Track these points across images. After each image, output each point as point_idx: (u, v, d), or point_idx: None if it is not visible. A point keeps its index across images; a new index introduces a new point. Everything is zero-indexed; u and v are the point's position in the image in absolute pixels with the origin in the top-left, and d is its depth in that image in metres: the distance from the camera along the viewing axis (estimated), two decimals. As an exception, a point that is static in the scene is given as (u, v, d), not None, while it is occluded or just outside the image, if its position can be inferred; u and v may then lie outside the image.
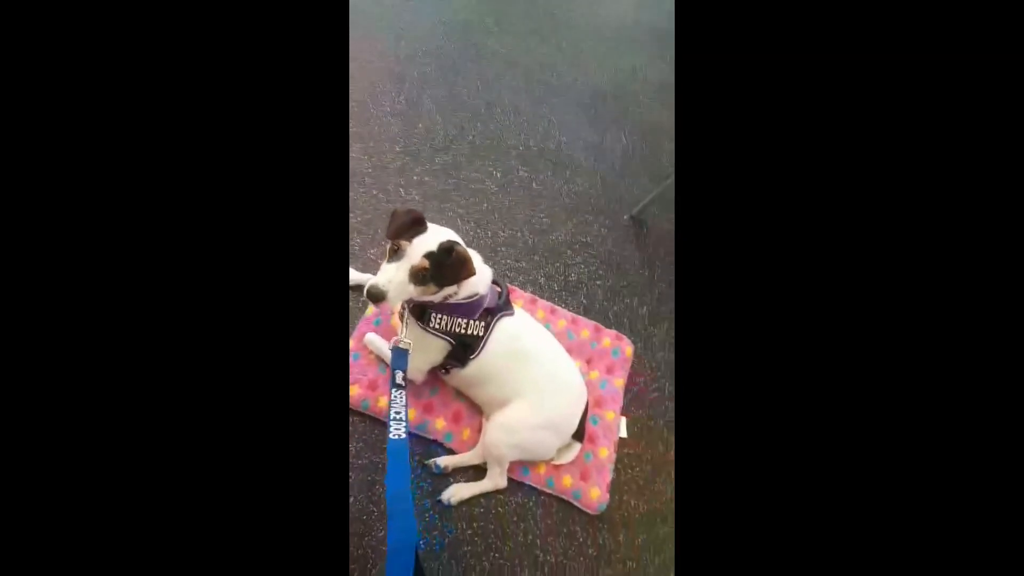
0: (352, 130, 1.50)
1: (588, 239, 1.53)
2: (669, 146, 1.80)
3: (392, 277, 0.85)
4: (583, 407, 1.10)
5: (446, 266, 0.87)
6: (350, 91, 1.57)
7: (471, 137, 1.63)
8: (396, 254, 0.86)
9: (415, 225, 0.87)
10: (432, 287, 0.89)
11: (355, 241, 1.27)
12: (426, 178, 1.48)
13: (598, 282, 1.45)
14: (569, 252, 1.48)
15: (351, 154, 1.44)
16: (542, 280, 1.40)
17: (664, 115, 1.97)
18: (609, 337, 1.34)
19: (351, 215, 1.32)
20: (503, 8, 2.00)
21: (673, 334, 1.39)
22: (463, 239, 0.93)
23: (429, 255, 0.85)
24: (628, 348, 1.34)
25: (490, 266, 1.03)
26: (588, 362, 1.31)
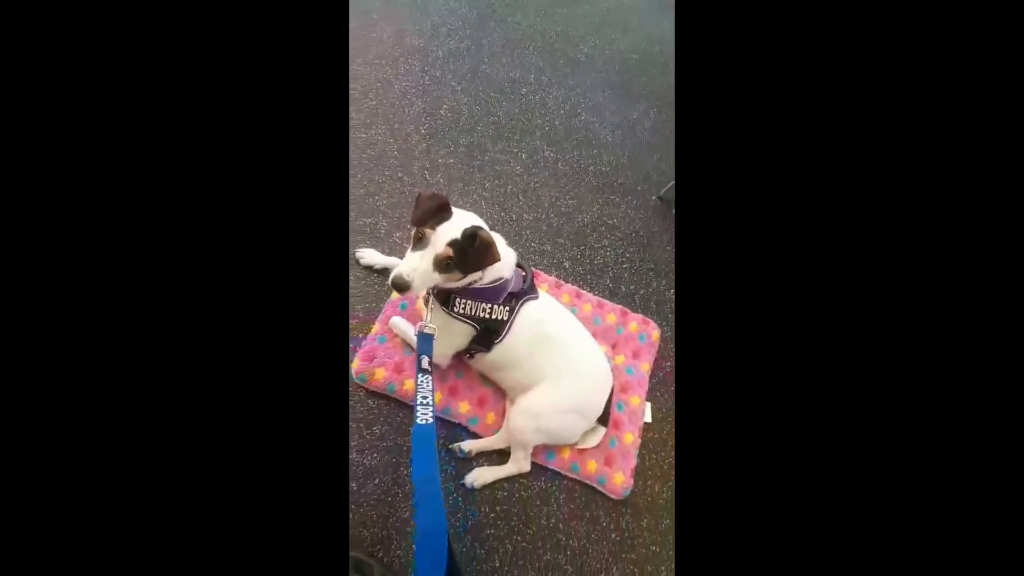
0: (377, 110, 1.49)
1: (615, 221, 1.49)
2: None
3: (416, 266, 0.85)
4: (608, 392, 1.09)
5: (470, 253, 0.86)
6: (377, 74, 1.55)
7: (496, 117, 1.60)
8: (420, 242, 0.86)
9: (439, 212, 0.86)
10: (457, 274, 0.89)
11: (380, 224, 1.28)
12: (451, 160, 1.46)
13: (625, 265, 1.41)
14: (595, 235, 1.45)
15: (376, 135, 1.44)
16: (567, 263, 1.38)
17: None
18: (636, 321, 1.31)
19: (376, 198, 1.32)
20: (529, -21, 1.93)
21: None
22: (487, 222, 0.92)
23: (453, 243, 0.85)
24: (655, 332, 1.31)
25: (515, 249, 1.02)
26: (614, 347, 1.29)
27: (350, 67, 1.54)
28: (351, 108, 1.46)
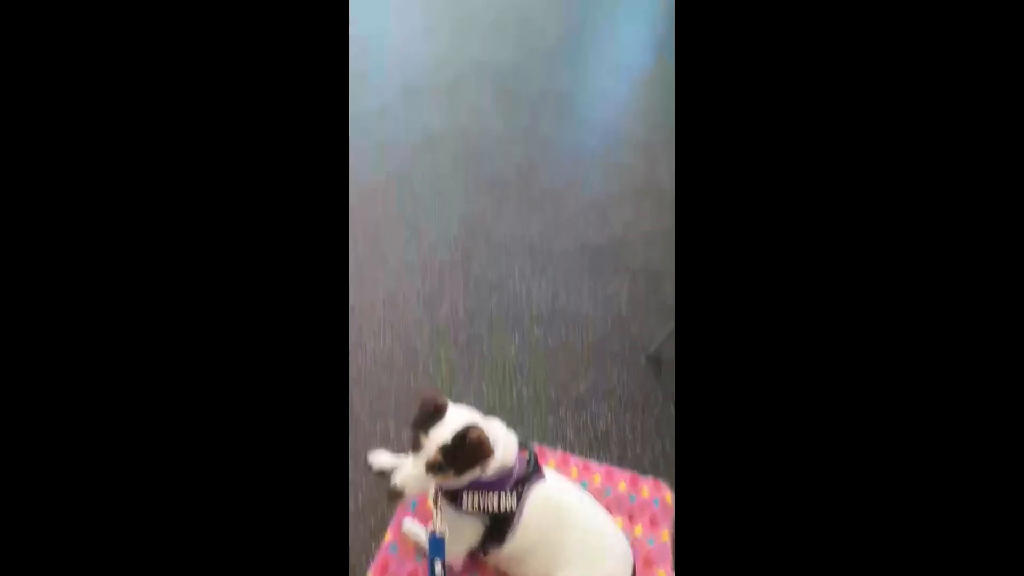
0: (384, 320, 1.72)
1: (610, 386, 1.59)
2: (670, 287, 1.95)
3: (410, 472, 0.90)
4: (630, 570, 1.05)
5: (461, 456, 0.92)
6: (384, 291, 1.84)
7: (489, 310, 1.82)
8: (416, 447, 0.92)
9: (434, 414, 0.95)
10: (451, 475, 0.93)
11: (390, 425, 1.38)
12: (452, 354, 1.63)
13: (627, 428, 1.46)
14: (593, 402, 1.53)
15: (383, 345, 1.64)
16: (571, 435, 1.43)
17: (662, 259, 2.16)
18: (647, 486, 1.31)
19: (386, 401, 1.45)
20: (506, 194, 2.38)
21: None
22: (488, 406, 1.01)
23: (443, 448, 0.90)
24: (668, 495, 1.29)
25: (518, 428, 1.07)
26: (630, 517, 1.26)
27: (360, 286, 1.83)
28: (362, 322, 1.70)
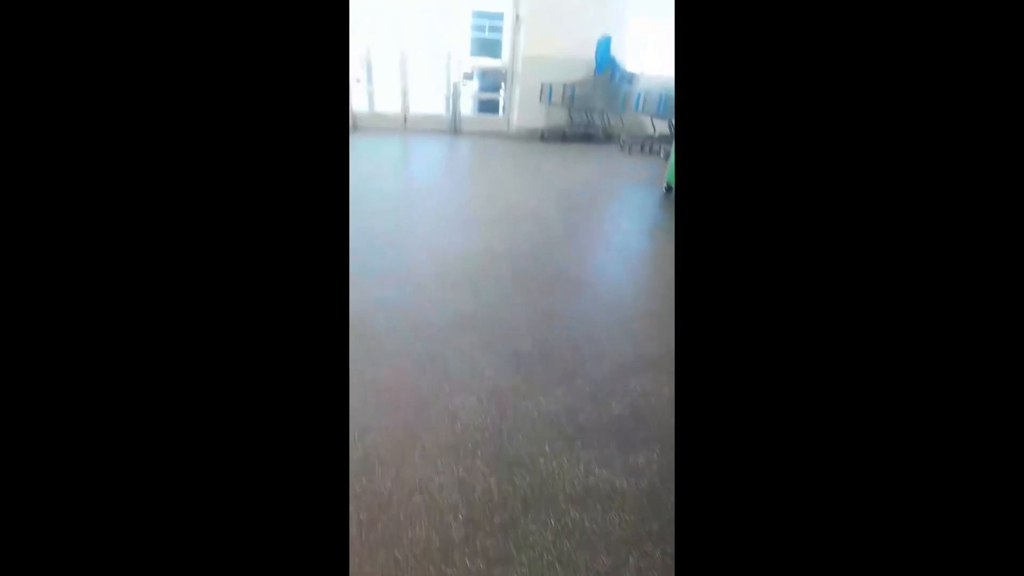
0: (420, 507, 1.74)
1: (656, 573, 1.52)
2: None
3: None
4: None
5: None
6: (419, 476, 1.89)
7: (523, 490, 1.84)
8: None
9: None
10: None
11: (430, 628, 1.32)
12: (487, 541, 1.61)
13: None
14: (639, 594, 1.45)
15: (418, 534, 1.64)
16: (620, 636, 1.33)
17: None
18: None
19: (424, 598, 1.40)
20: (531, 371, 2.55)
21: None
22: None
23: None
24: None
25: None
26: None
27: (397, 473, 1.89)
28: (399, 512, 1.72)
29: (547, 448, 2.06)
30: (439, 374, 2.47)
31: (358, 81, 10.05)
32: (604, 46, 8.90)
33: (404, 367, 2.49)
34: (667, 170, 5.95)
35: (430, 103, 10.42)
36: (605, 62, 8.96)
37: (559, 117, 9.69)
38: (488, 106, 10.66)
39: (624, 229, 4.82)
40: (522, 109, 9.66)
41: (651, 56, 9.68)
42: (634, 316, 3.19)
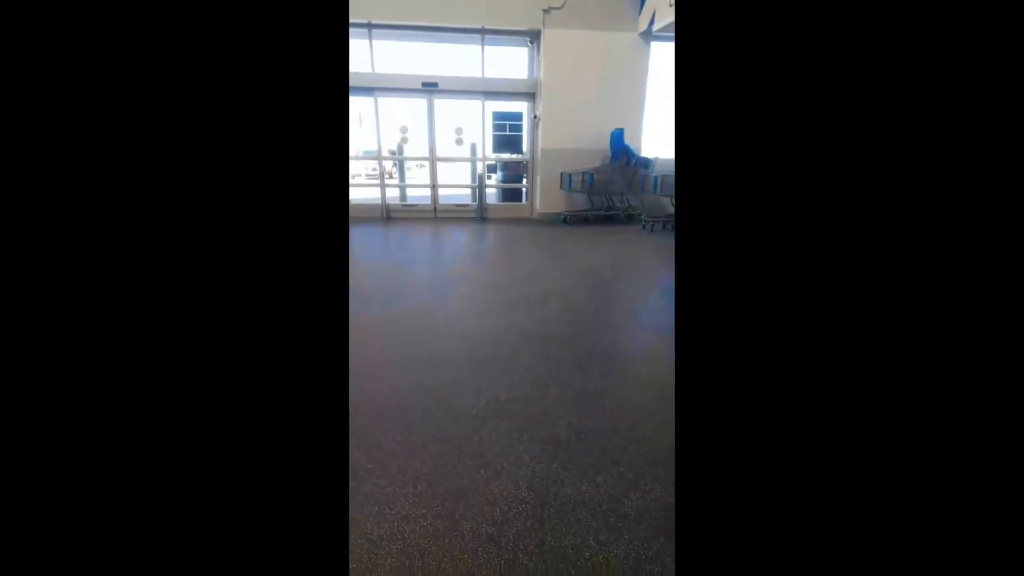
0: (464, 606, 1.66)
1: None
2: None
3: None
4: None
5: None
6: (461, 568, 1.82)
7: (569, 587, 1.75)
8: None
9: None
10: None
11: None
12: (537, 646, 1.52)
13: None
14: None
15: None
16: None
17: None
18: None
19: None
20: (569, 456, 2.50)
21: None
22: None
23: None
24: None
25: None
26: None
27: (436, 565, 1.83)
28: (442, 608, 1.65)
29: (591, 540, 1.97)
30: (476, 460, 2.45)
31: (391, 176, 10.91)
32: (617, 137, 9.56)
33: (442, 453, 2.48)
34: (689, 247, 6.06)
35: (458, 194, 11.16)
36: (620, 150, 9.57)
37: (580, 201, 10.20)
38: (512, 195, 11.33)
39: (652, 306, 4.87)
40: (544, 195, 10.23)
41: (665, 143, 10.31)
42: (671, 395, 3.14)
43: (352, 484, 2.25)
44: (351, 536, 1.96)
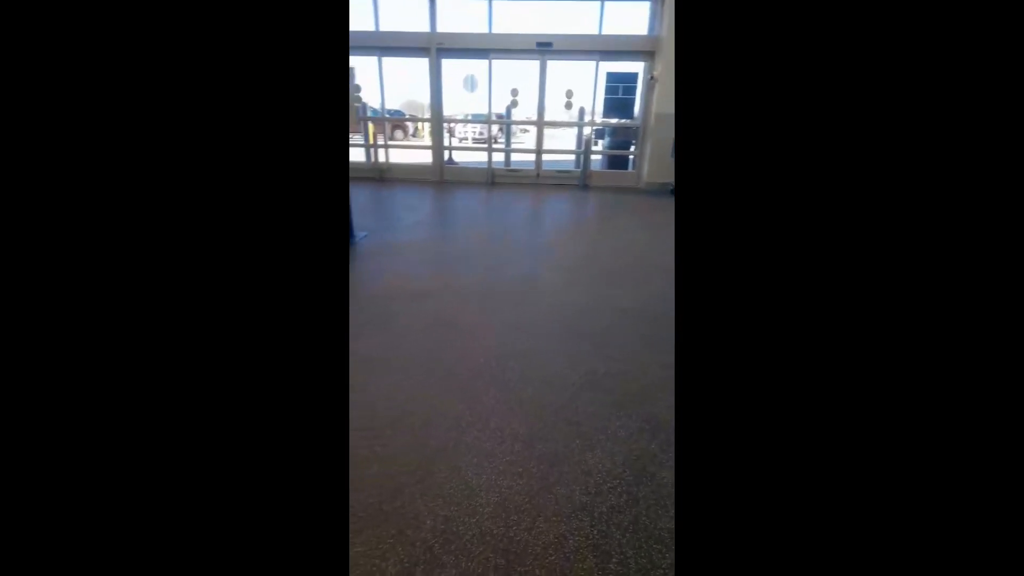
0: (555, 566, 1.73)
1: None
2: None
3: None
4: None
5: None
6: (554, 533, 1.89)
7: (662, 570, 1.74)
8: None
9: None
10: None
11: None
12: (627, 618, 1.54)
13: None
14: None
15: (557, 592, 1.62)
16: None
17: None
18: None
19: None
20: (668, 439, 2.44)
21: None
22: None
23: None
24: None
25: None
26: None
27: (531, 525, 1.91)
28: (535, 568, 1.73)
29: (687, 527, 1.93)
30: (571, 429, 2.49)
31: (496, 141, 11.00)
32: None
33: (538, 417, 2.55)
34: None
35: (561, 159, 10.96)
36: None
37: (692, 172, 9.50)
38: (618, 162, 10.87)
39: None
40: (652, 164, 9.68)
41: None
42: (784, 391, 2.90)
43: (454, 434, 2.41)
44: (454, 482, 2.11)
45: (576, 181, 10.31)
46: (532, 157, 10.49)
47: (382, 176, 10.42)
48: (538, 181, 10.47)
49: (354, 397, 2.66)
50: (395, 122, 16.20)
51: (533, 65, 9.72)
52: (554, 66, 9.72)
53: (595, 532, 1.89)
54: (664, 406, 2.68)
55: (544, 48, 9.41)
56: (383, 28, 9.63)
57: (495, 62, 9.77)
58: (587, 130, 10.16)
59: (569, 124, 10.66)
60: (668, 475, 2.22)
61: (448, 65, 9.92)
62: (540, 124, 10.12)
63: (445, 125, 10.50)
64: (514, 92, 10.24)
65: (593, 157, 10.25)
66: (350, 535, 1.82)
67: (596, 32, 9.42)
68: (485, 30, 9.37)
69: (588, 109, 10.15)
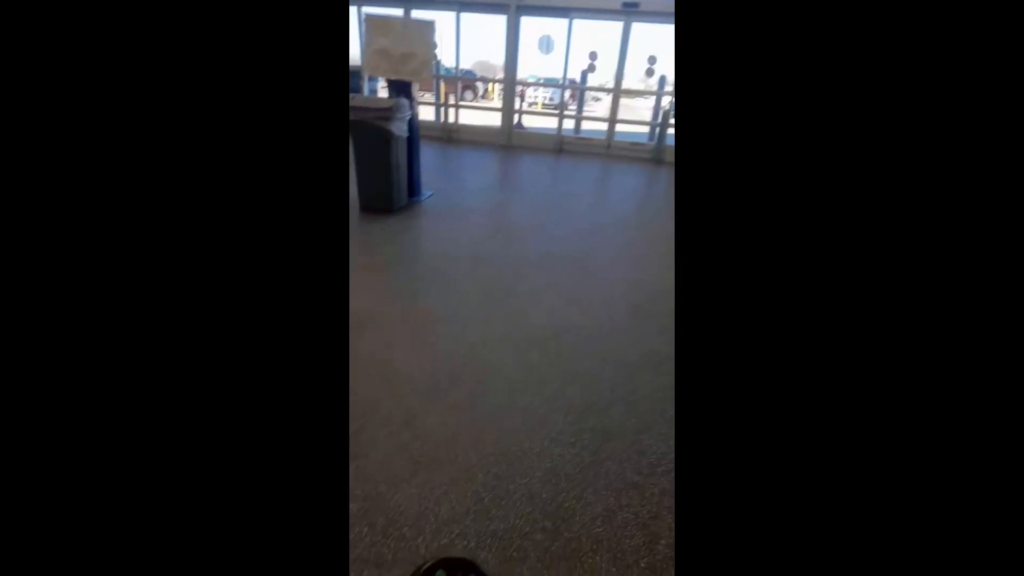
0: (601, 539, 1.74)
1: None
2: None
3: None
4: None
5: None
6: (601, 499, 1.90)
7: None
8: None
9: None
10: None
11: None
12: (672, 600, 1.53)
13: None
14: None
15: (599, 562, 1.64)
16: None
17: None
18: None
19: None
20: None
21: None
22: None
23: None
24: None
25: None
26: None
27: (579, 492, 1.93)
28: (581, 534, 1.75)
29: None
30: (627, 408, 2.46)
31: (568, 108, 10.65)
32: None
33: (593, 391, 2.54)
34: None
35: (635, 131, 10.48)
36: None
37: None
38: (695, 137, 10.23)
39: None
40: (734, 143, 9.04)
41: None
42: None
43: (509, 397, 2.45)
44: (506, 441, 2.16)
45: (649, 155, 9.85)
46: (603, 126, 10.09)
47: (450, 137, 10.44)
48: (608, 152, 10.10)
49: (420, 351, 2.75)
50: (466, 82, 16.07)
51: (615, 27, 9.21)
52: (638, 29, 9.17)
53: (645, 511, 1.88)
54: (726, 396, 2.58)
55: (630, 8, 8.87)
56: (464, -18, 9.42)
57: (576, 22, 9.34)
58: (666, 101, 9.60)
59: (648, 93, 10.12)
60: (725, 467, 2.15)
61: (526, 23, 9.61)
62: (617, 91, 9.67)
63: (516, 88, 10.27)
64: (592, 56, 9.80)
65: (670, 131, 9.70)
66: (409, 475, 1.92)
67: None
68: (568, -13, 8.93)
69: (670, 79, 9.57)
